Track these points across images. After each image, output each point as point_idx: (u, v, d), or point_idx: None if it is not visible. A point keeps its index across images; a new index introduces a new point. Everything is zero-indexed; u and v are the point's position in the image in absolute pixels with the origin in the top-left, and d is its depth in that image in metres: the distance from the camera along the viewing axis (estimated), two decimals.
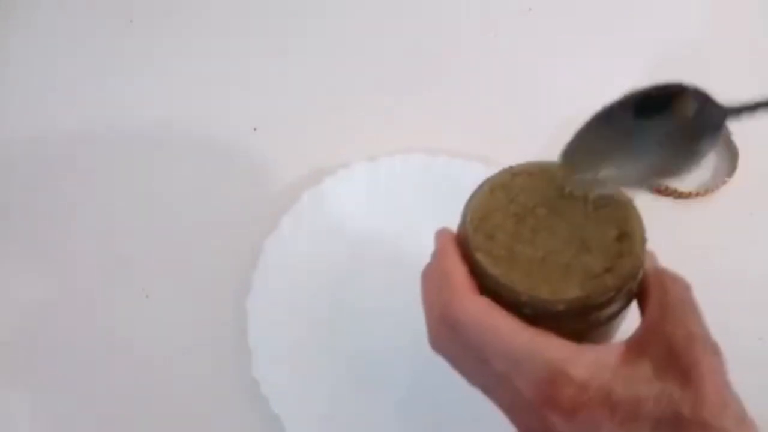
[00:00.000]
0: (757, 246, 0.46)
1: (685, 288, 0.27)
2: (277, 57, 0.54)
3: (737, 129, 0.49)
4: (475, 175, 0.46)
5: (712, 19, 0.56)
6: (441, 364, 0.42)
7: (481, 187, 0.30)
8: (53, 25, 0.56)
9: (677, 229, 0.46)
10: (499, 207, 0.28)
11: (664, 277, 0.27)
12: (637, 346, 0.25)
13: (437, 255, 0.29)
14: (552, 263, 0.27)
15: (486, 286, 0.27)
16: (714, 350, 0.25)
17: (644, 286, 0.27)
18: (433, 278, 0.28)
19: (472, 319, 0.26)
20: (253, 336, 0.41)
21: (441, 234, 0.30)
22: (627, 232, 0.27)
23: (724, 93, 0.48)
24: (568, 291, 0.26)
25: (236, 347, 0.41)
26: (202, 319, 0.43)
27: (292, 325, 0.42)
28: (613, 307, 0.27)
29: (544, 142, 0.49)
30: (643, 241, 0.27)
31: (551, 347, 0.25)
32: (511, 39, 0.55)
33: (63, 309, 0.44)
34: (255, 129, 0.51)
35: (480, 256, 0.27)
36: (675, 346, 0.24)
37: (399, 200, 0.46)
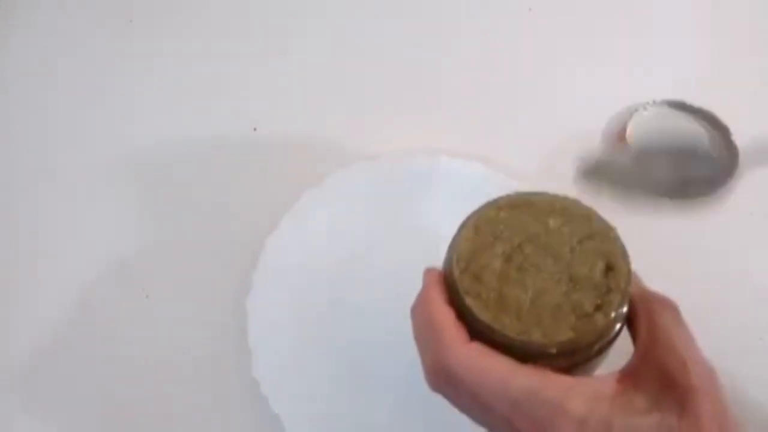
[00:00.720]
0: (757, 246, 0.46)
1: (673, 310, 0.27)
2: (277, 57, 0.54)
3: (737, 129, 0.49)
4: (475, 175, 0.47)
5: (712, 19, 0.56)
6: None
7: (465, 224, 0.30)
8: (53, 25, 0.56)
9: (677, 230, 0.46)
10: (485, 245, 0.28)
11: (652, 302, 0.27)
12: (631, 375, 0.26)
13: (423, 299, 0.29)
14: (542, 304, 0.27)
15: (476, 329, 0.27)
16: (708, 373, 0.25)
17: (632, 312, 0.27)
18: (421, 324, 0.28)
19: (465, 369, 0.26)
20: (253, 336, 0.41)
21: (427, 274, 0.30)
22: (613, 265, 0.27)
23: (724, 93, 0.48)
24: (559, 333, 0.26)
25: (236, 347, 0.41)
26: (202, 319, 0.43)
27: (292, 325, 0.42)
28: (603, 342, 0.27)
29: (544, 141, 0.49)
30: (629, 273, 0.27)
31: (548, 385, 0.25)
32: (511, 39, 0.55)
33: (63, 309, 0.44)
34: (255, 129, 0.51)
35: (469, 301, 0.27)
36: (669, 374, 0.24)
37: (399, 200, 0.46)
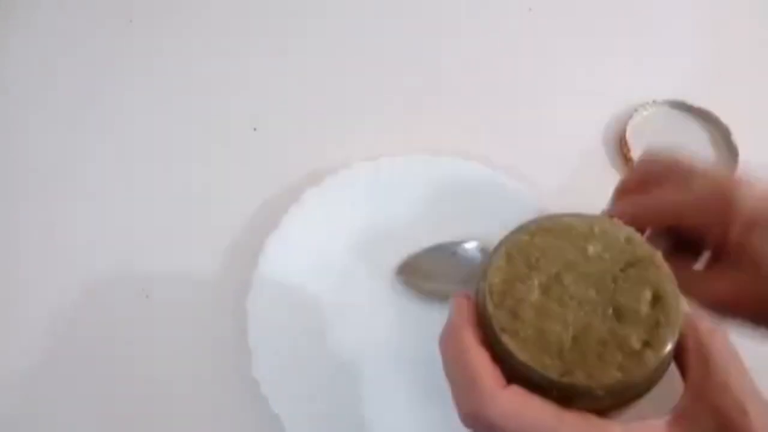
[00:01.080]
0: None
1: (724, 340, 0.25)
2: (277, 57, 0.54)
3: (737, 129, 0.49)
4: (475, 175, 0.47)
5: (713, 19, 0.56)
6: (441, 364, 0.42)
7: (497, 251, 0.27)
8: (53, 25, 0.56)
9: None
10: (520, 276, 0.26)
11: (702, 333, 0.25)
12: (685, 418, 0.24)
13: (456, 337, 0.26)
14: (586, 342, 0.24)
15: (513, 369, 0.25)
16: (764, 409, 0.23)
17: (681, 344, 0.25)
18: (454, 366, 0.26)
19: (506, 418, 0.24)
20: (253, 336, 0.41)
21: (457, 305, 0.27)
22: (661, 295, 0.25)
23: (724, 94, 0.48)
24: (606, 375, 0.24)
25: (236, 347, 0.41)
26: (202, 319, 0.43)
27: (292, 325, 0.42)
28: (647, 383, 0.25)
29: (544, 141, 0.49)
30: (678, 302, 0.25)
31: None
32: (511, 39, 0.55)
33: (63, 309, 0.44)
34: (255, 129, 0.51)
35: (506, 340, 0.25)
36: (726, 417, 0.23)
37: (399, 200, 0.46)
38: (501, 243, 0.28)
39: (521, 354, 0.25)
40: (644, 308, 0.25)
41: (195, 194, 0.48)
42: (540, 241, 0.27)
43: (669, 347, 0.24)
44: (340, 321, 0.43)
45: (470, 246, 0.43)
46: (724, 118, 0.49)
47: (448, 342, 0.27)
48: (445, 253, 0.43)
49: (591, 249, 0.26)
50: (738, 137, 0.48)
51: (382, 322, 0.43)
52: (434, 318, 0.43)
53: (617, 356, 0.24)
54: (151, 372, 0.42)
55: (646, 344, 0.24)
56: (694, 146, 0.50)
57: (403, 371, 0.42)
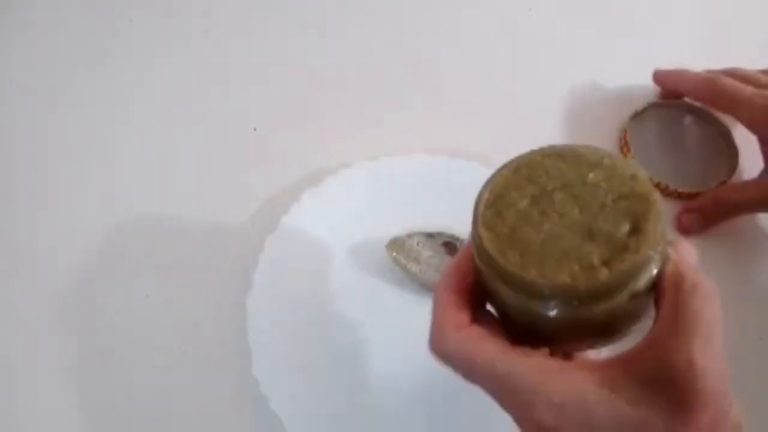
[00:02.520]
0: (757, 246, 0.46)
1: (705, 298, 0.24)
2: (277, 57, 0.54)
3: (737, 129, 0.49)
4: (475, 175, 0.47)
5: (713, 19, 0.56)
6: (441, 365, 0.42)
7: (508, 164, 0.29)
8: (53, 24, 0.56)
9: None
10: (519, 186, 0.28)
11: (683, 282, 0.24)
12: (630, 362, 0.24)
13: (442, 279, 0.29)
14: (550, 248, 0.26)
15: (483, 261, 0.27)
16: (720, 384, 0.22)
17: (659, 291, 0.25)
18: (433, 301, 0.29)
19: (455, 355, 0.27)
20: (253, 336, 0.41)
21: (462, 250, 0.29)
22: (640, 229, 0.25)
23: None
24: (556, 276, 0.25)
25: (236, 347, 0.41)
26: (202, 319, 0.43)
27: (292, 325, 0.42)
28: (605, 306, 0.25)
29: (545, 142, 0.49)
30: (659, 240, 0.25)
31: (530, 371, 0.25)
32: (511, 39, 0.55)
33: (63, 309, 0.44)
34: (255, 129, 0.51)
35: (482, 231, 0.27)
36: (671, 371, 0.23)
37: (399, 200, 0.46)
38: (516, 158, 0.29)
39: (490, 246, 0.26)
40: (619, 236, 0.25)
41: (195, 194, 0.48)
42: (549, 162, 0.28)
43: (628, 272, 0.25)
44: (339, 321, 0.43)
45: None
46: (725, 118, 0.49)
47: (434, 289, 0.29)
48: (437, 240, 0.44)
49: (591, 176, 0.27)
50: (738, 137, 0.49)
51: (382, 321, 0.43)
52: None
53: (573, 266, 0.25)
54: (151, 372, 0.42)
55: (605, 264, 0.25)
56: (694, 146, 0.50)
57: (403, 371, 0.42)
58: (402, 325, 0.43)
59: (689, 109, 0.51)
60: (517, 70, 0.53)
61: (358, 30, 0.56)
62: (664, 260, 0.26)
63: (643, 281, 0.25)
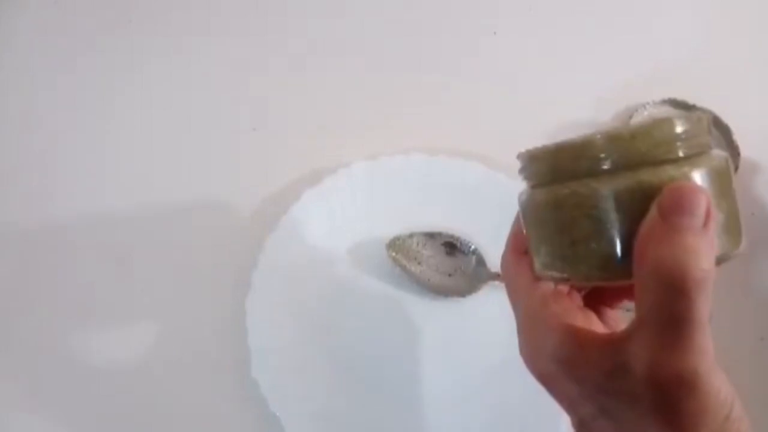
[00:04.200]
0: (758, 246, 0.46)
1: (699, 295, 0.21)
2: (276, 57, 0.54)
3: (738, 129, 0.49)
4: (475, 175, 0.47)
5: (714, 18, 0.56)
6: (440, 364, 0.42)
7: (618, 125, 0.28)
8: (53, 25, 0.56)
9: None
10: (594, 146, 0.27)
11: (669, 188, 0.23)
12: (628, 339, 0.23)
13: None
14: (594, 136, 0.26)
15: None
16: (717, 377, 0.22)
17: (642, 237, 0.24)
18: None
19: (504, 275, 0.30)
20: (253, 336, 0.41)
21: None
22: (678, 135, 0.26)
23: (725, 93, 0.48)
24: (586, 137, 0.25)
25: (236, 347, 0.41)
26: (202, 319, 0.43)
27: (292, 325, 0.42)
28: (604, 180, 0.25)
29: (545, 141, 0.49)
30: (675, 142, 0.25)
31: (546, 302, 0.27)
32: (511, 39, 0.55)
33: (62, 309, 0.44)
34: (255, 129, 0.51)
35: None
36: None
37: (399, 200, 0.46)
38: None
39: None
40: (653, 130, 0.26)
41: (195, 194, 0.48)
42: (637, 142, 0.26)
43: (622, 147, 0.25)
44: (339, 321, 0.43)
45: (466, 244, 0.43)
46: (725, 118, 0.49)
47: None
48: (437, 240, 0.44)
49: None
50: (738, 137, 0.48)
51: (382, 322, 0.43)
52: (435, 318, 0.43)
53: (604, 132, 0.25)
54: (150, 372, 0.42)
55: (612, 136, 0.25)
56: None
57: (403, 371, 0.42)
58: (402, 325, 0.43)
59: (690, 108, 0.50)
60: (517, 69, 0.53)
61: (358, 29, 0.55)
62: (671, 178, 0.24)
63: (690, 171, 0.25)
